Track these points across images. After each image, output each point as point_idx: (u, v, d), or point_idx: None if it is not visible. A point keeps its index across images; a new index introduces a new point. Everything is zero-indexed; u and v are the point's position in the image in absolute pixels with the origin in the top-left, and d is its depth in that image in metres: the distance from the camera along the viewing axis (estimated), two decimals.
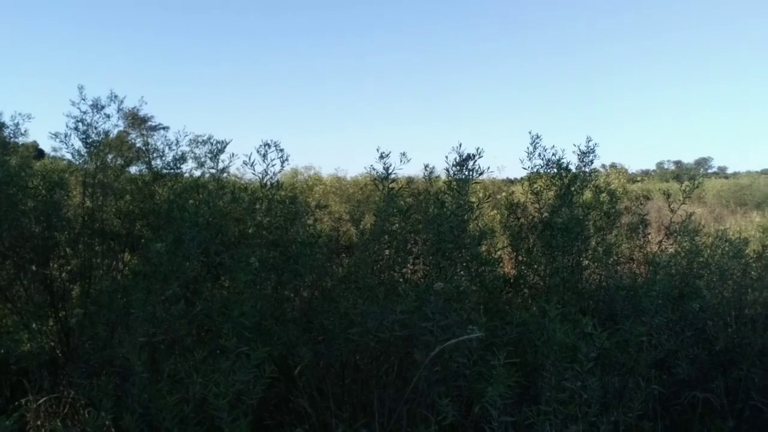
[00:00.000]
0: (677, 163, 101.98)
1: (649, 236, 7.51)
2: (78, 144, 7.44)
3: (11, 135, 8.49)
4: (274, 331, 5.03)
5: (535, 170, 6.79)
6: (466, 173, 5.67)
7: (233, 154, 6.70)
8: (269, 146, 6.06)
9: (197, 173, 8.08)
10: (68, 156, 7.90)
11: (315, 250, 5.52)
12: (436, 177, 6.73)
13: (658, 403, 5.14)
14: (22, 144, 8.95)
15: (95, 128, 7.44)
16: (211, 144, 6.74)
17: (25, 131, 8.45)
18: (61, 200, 7.29)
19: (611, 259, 6.53)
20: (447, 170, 5.79)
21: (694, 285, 6.00)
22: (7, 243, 6.97)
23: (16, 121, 8.26)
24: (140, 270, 5.57)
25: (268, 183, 6.18)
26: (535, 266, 6.32)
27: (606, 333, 4.37)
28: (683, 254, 6.40)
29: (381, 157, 5.70)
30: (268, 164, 6.11)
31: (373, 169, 5.86)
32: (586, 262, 6.53)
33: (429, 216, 5.71)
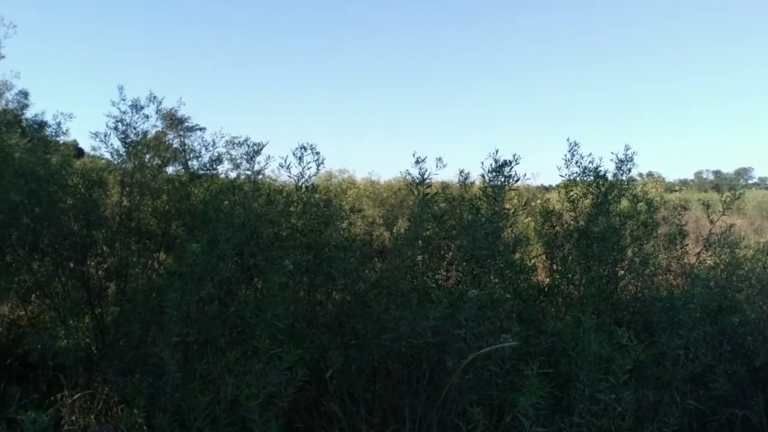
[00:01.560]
0: (716, 173, 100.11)
1: (687, 247, 7.36)
2: (117, 143, 7.54)
3: (53, 134, 8.66)
4: (307, 334, 5.03)
5: (571, 178, 6.71)
6: (502, 180, 5.63)
7: (269, 156, 6.74)
8: (305, 149, 6.07)
9: (233, 174, 8.16)
10: (107, 155, 8.02)
11: (348, 253, 5.52)
12: (471, 183, 6.68)
13: (694, 419, 5.05)
14: (63, 143, 9.12)
15: (134, 128, 7.53)
16: (248, 146, 6.80)
17: (67, 130, 8.61)
18: (99, 199, 7.39)
19: (648, 270, 6.41)
20: (483, 176, 5.75)
21: (733, 298, 5.89)
22: (47, 240, 7.09)
23: (58, 120, 8.42)
24: (175, 270, 5.62)
25: (304, 186, 6.19)
26: (570, 275, 6.23)
27: (641, 345, 4.30)
28: (722, 267, 6.28)
29: (417, 161, 5.69)
30: (304, 167, 6.13)
31: (409, 173, 5.85)
32: (622, 272, 6.42)
33: (463, 222, 5.69)
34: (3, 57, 8.67)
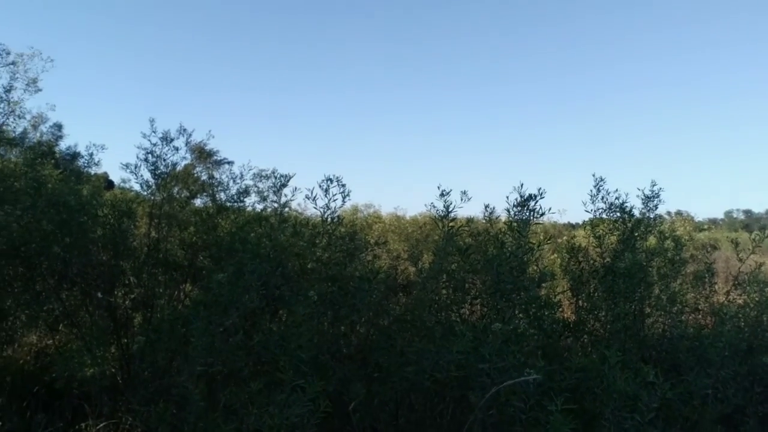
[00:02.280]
0: (747, 212, 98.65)
1: (716, 286, 7.28)
2: (147, 175, 7.68)
3: (85, 165, 8.84)
4: (330, 366, 5.03)
5: (597, 214, 6.68)
6: (527, 214, 5.63)
7: (296, 189, 6.81)
8: (331, 181, 6.13)
9: (260, 207, 8.26)
10: (137, 187, 8.16)
11: (373, 286, 5.54)
12: (497, 218, 6.68)
13: None
14: (94, 174, 9.30)
15: (164, 160, 7.66)
16: (275, 178, 6.89)
17: (98, 161, 8.78)
18: (128, 230, 7.51)
19: (675, 308, 6.33)
20: (507, 210, 5.76)
21: (764, 338, 5.79)
22: (76, 269, 7.19)
23: (90, 152, 8.61)
24: (201, 300, 5.67)
25: (329, 218, 6.23)
26: (596, 312, 6.17)
27: (669, 383, 4.24)
28: (752, 306, 6.19)
29: (441, 194, 5.72)
30: (330, 199, 6.18)
31: (433, 206, 5.88)
32: (649, 309, 6.35)
33: (488, 256, 5.68)
34: (40, 90, 8.91)
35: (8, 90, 8.19)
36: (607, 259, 6.41)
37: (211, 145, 9.56)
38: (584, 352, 5.76)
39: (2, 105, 8.04)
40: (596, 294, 6.26)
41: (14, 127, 8.86)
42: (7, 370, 7.29)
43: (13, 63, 8.37)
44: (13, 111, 8.44)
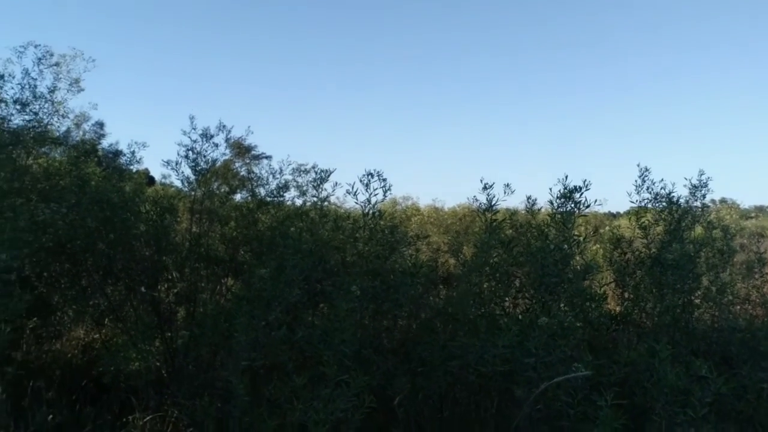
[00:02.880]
0: None
1: (767, 276, 7.08)
2: (187, 171, 7.74)
3: (127, 162, 8.96)
4: (373, 361, 5.01)
5: (643, 204, 6.55)
6: (571, 206, 5.54)
7: (336, 183, 6.80)
8: (372, 175, 6.09)
9: (300, 201, 8.26)
10: (177, 183, 8.23)
11: (415, 279, 5.50)
12: (539, 210, 6.59)
13: None
14: (136, 171, 9.41)
15: (204, 156, 7.72)
16: (315, 173, 6.87)
17: (140, 159, 8.88)
18: (170, 225, 7.58)
19: (725, 299, 6.19)
20: (551, 202, 5.68)
21: None
22: (120, 265, 7.29)
23: (132, 149, 8.71)
24: (243, 295, 5.70)
25: (370, 212, 6.20)
26: (643, 304, 6.06)
27: (722, 378, 4.13)
28: None
29: (484, 188, 5.65)
30: (371, 193, 6.15)
31: (476, 199, 5.81)
32: (698, 301, 6.21)
33: (531, 249, 5.60)
34: (82, 90, 9.00)
35: (52, 90, 8.25)
36: (654, 250, 6.28)
37: (250, 141, 9.58)
38: (632, 345, 5.65)
39: (47, 105, 8.12)
40: (643, 286, 6.14)
41: (58, 127, 8.98)
42: (56, 364, 7.42)
43: (57, 64, 8.45)
44: (57, 111, 8.52)
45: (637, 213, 6.71)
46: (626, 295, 6.31)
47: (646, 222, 6.48)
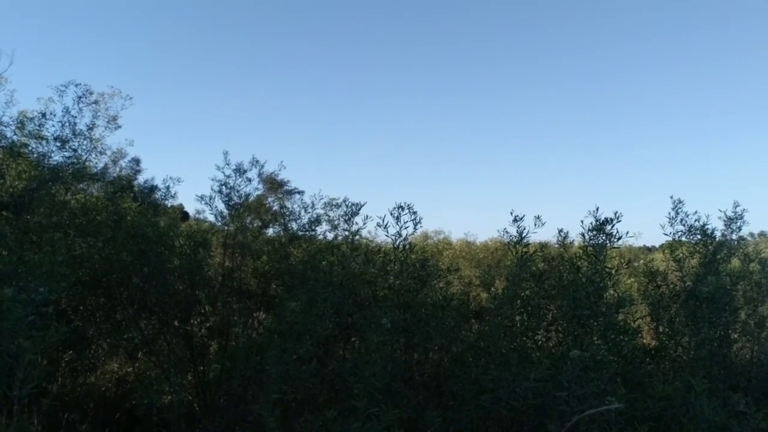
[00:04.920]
0: None
1: None
2: (221, 206, 7.88)
3: (162, 197, 9.13)
4: (404, 394, 4.99)
5: (676, 237, 6.48)
6: (603, 238, 5.50)
7: (366, 217, 6.84)
8: (402, 208, 6.12)
9: (331, 235, 8.34)
10: (211, 218, 8.39)
11: (446, 312, 5.49)
12: (571, 243, 6.55)
13: None
14: (171, 206, 9.58)
15: (237, 191, 7.86)
16: (346, 206, 6.93)
17: (175, 194, 9.05)
18: (203, 259, 7.69)
19: (764, 333, 6.06)
20: (582, 235, 5.64)
21: None
22: (154, 299, 7.39)
23: (167, 185, 8.89)
24: (275, 328, 5.72)
25: (401, 245, 6.22)
26: (678, 338, 5.95)
27: (761, 413, 4.03)
28: None
29: (515, 220, 5.65)
30: (401, 226, 6.17)
31: (506, 231, 5.81)
32: (735, 335, 6.09)
33: (563, 282, 5.56)
34: (119, 127, 9.26)
35: (91, 128, 8.50)
36: (689, 283, 6.19)
37: (283, 176, 9.73)
38: (666, 379, 5.55)
39: (85, 142, 8.35)
40: (678, 319, 6.04)
41: (96, 163, 9.23)
42: (91, 396, 7.51)
43: (96, 102, 8.72)
44: (95, 147, 8.76)
45: (671, 246, 6.64)
46: (661, 328, 6.21)
47: (681, 255, 6.40)
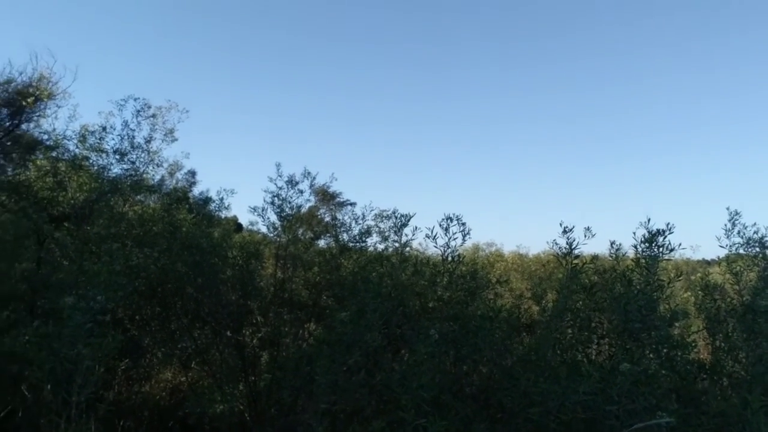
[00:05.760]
0: None
1: None
2: (273, 217, 8.01)
3: (216, 209, 9.34)
4: (452, 406, 4.96)
5: (733, 249, 6.32)
6: (656, 250, 5.40)
7: (416, 228, 6.86)
8: (451, 219, 6.13)
9: (381, 246, 8.38)
10: (263, 229, 8.53)
11: (495, 324, 5.46)
12: (624, 255, 6.45)
13: None
14: (225, 217, 9.79)
15: (289, 203, 7.97)
16: (395, 218, 6.96)
17: (228, 205, 9.25)
18: (255, 270, 7.82)
19: None
20: (635, 246, 5.56)
21: None
22: (207, 309, 7.53)
23: (221, 196, 9.10)
24: (324, 338, 5.77)
25: (450, 257, 6.22)
26: (735, 353, 5.78)
27: None
28: None
29: (564, 231, 5.59)
30: (450, 237, 6.17)
31: (556, 243, 5.76)
32: None
33: (615, 294, 5.48)
34: (176, 140, 9.53)
35: (148, 141, 8.81)
36: (746, 297, 6.02)
37: (334, 188, 9.85)
38: (723, 395, 5.40)
39: (143, 155, 8.65)
40: (735, 334, 5.87)
41: (153, 175, 9.54)
42: (145, 405, 7.68)
43: (153, 116, 9.00)
44: (152, 160, 9.05)
45: (728, 259, 6.49)
46: (717, 343, 6.05)
47: (738, 268, 6.25)
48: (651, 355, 5.05)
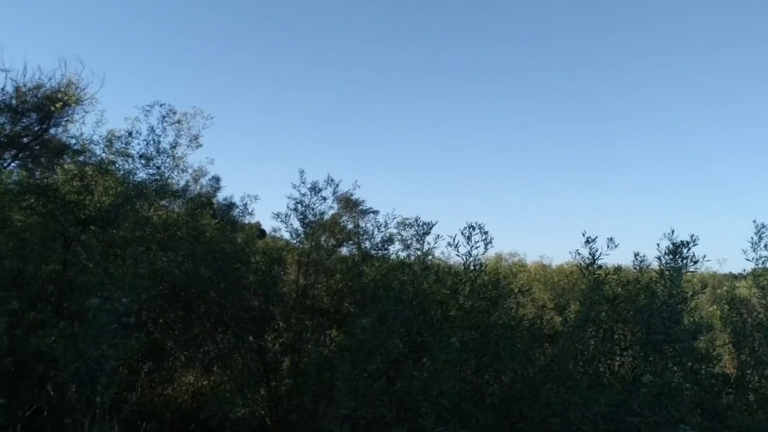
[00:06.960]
0: None
1: None
2: (296, 224, 8.06)
3: (239, 214, 9.43)
4: (472, 414, 4.95)
5: (760, 263, 6.23)
6: (680, 262, 5.35)
7: (438, 236, 6.86)
8: (473, 228, 6.11)
9: (403, 254, 8.39)
10: (286, 235, 8.59)
11: (516, 334, 5.43)
12: (647, 266, 6.39)
13: None
14: (248, 223, 9.87)
15: (312, 209, 8.02)
16: (418, 226, 6.97)
17: (252, 211, 9.33)
18: (278, 276, 7.87)
19: None
20: (659, 258, 5.51)
21: None
22: (230, 314, 7.58)
23: (244, 202, 9.20)
24: (346, 345, 5.79)
25: (472, 265, 6.20)
26: (762, 368, 5.71)
27: None
28: None
29: (587, 242, 5.56)
30: (472, 246, 6.16)
31: (578, 253, 5.72)
32: None
33: (638, 305, 5.43)
34: (201, 146, 9.67)
35: (174, 146, 8.94)
36: None
37: (357, 195, 9.90)
38: (748, 410, 5.33)
39: (168, 160, 8.76)
40: (761, 349, 5.80)
41: (178, 180, 9.66)
42: (168, 407, 7.74)
43: (178, 122, 9.13)
44: (177, 165, 9.18)
45: (754, 272, 6.40)
46: (743, 357, 5.98)
47: (765, 282, 6.16)
48: (674, 368, 5.00)
